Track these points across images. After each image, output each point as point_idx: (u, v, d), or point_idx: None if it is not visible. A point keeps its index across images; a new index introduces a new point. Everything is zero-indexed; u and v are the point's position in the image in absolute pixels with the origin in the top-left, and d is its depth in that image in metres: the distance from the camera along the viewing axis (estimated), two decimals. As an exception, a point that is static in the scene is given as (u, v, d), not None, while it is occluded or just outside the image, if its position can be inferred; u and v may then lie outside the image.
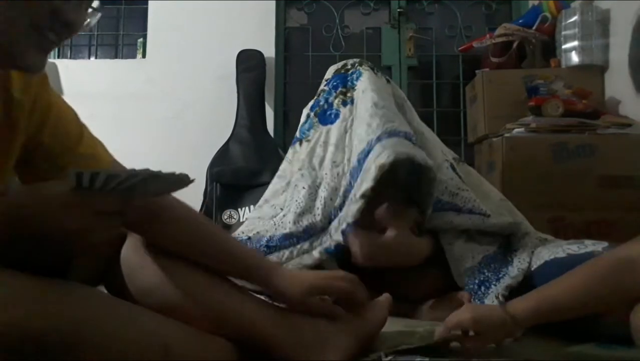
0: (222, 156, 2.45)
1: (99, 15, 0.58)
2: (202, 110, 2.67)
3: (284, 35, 2.86)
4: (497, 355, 0.72)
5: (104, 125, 2.73)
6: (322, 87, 1.41)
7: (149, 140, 2.63)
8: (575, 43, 2.09)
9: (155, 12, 2.77)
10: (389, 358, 0.70)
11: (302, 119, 1.39)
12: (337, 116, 1.29)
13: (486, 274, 0.97)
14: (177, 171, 0.54)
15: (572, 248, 0.87)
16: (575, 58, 2.09)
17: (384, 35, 2.83)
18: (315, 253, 1.08)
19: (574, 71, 2.08)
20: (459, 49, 2.59)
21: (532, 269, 0.89)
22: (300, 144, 1.31)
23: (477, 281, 0.96)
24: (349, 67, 1.37)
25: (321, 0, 2.87)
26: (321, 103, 1.35)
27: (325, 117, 1.32)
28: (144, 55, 2.79)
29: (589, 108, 1.89)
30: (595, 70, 2.09)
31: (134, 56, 2.87)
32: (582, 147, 1.76)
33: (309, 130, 1.32)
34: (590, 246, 0.85)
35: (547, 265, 0.87)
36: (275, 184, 1.31)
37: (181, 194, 2.68)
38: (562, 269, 0.83)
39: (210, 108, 2.66)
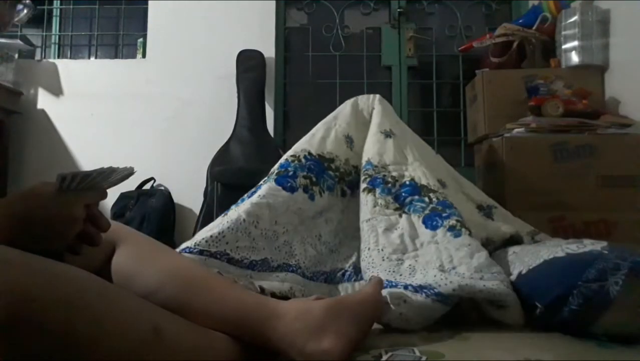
0: (223, 155, 2.46)
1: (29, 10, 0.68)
2: (202, 110, 2.67)
3: (284, 35, 2.86)
4: (496, 353, 0.72)
5: (104, 125, 2.77)
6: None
7: (149, 140, 2.64)
8: (575, 43, 2.09)
9: (155, 12, 2.78)
10: (389, 354, 0.70)
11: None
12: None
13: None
14: (129, 166, 0.69)
15: (572, 247, 0.87)
16: (575, 58, 2.09)
17: (384, 35, 2.83)
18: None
19: (574, 71, 2.08)
20: (459, 49, 2.59)
21: (531, 268, 0.89)
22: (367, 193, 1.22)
23: None
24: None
25: (321, 0, 2.87)
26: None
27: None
28: (144, 55, 2.79)
29: (589, 108, 1.89)
30: (595, 70, 2.09)
31: (134, 56, 2.88)
32: (582, 147, 1.76)
33: (374, 184, 1.22)
34: (589, 245, 0.85)
35: (546, 264, 0.87)
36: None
37: (182, 193, 2.69)
38: (561, 268, 0.84)
39: (210, 108, 2.66)
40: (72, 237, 0.64)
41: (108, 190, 0.69)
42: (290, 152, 1.27)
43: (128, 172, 0.69)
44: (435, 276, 0.88)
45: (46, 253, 0.55)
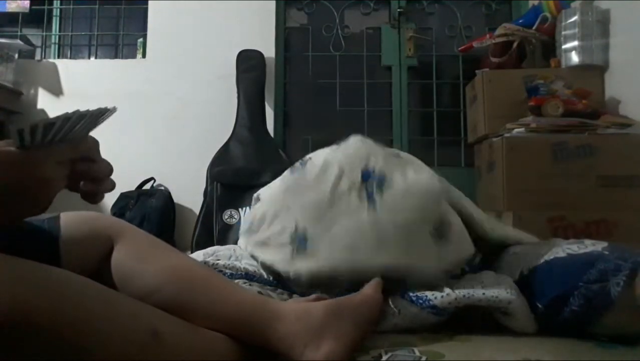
0: (223, 155, 2.46)
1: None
2: (202, 110, 2.67)
3: (284, 35, 2.86)
4: (496, 353, 0.72)
5: (104, 125, 2.75)
6: None
7: (148, 140, 2.64)
8: (575, 43, 2.09)
9: (155, 12, 2.78)
10: (389, 355, 0.70)
11: None
12: None
13: None
14: (106, 108, 0.58)
15: (572, 247, 0.86)
16: (575, 58, 2.09)
17: (384, 35, 2.83)
18: None
19: (574, 71, 2.09)
20: (459, 49, 2.59)
21: (531, 268, 0.89)
22: None
23: None
24: None
25: (321, 0, 2.87)
26: None
27: None
28: (144, 55, 2.79)
29: (589, 108, 1.89)
30: (595, 70, 2.09)
31: (134, 56, 2.88)
32: (582, 147, 1.77)
33: None
34: (590, 246, 0.85)
35: (547, 264, 0.87)
36: None
37: (182, 193, 2.68)
38: (562, 268, 0.84)
39: (210, 108, 2.66)
40: (52, 199, 0.55)
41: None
42: None
43: (104, 111, 0.57)
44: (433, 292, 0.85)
45: (37, 244, 0.52)
